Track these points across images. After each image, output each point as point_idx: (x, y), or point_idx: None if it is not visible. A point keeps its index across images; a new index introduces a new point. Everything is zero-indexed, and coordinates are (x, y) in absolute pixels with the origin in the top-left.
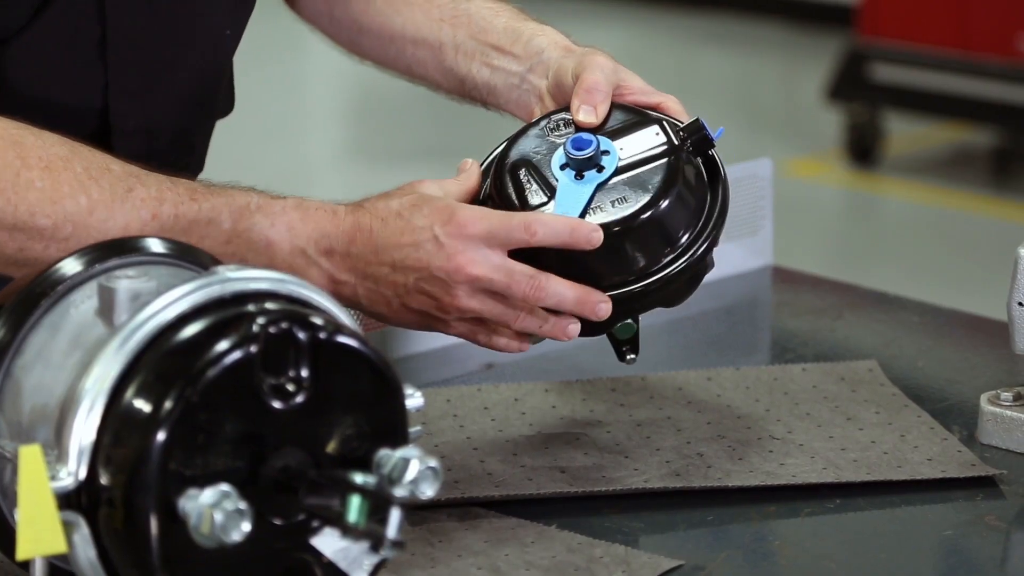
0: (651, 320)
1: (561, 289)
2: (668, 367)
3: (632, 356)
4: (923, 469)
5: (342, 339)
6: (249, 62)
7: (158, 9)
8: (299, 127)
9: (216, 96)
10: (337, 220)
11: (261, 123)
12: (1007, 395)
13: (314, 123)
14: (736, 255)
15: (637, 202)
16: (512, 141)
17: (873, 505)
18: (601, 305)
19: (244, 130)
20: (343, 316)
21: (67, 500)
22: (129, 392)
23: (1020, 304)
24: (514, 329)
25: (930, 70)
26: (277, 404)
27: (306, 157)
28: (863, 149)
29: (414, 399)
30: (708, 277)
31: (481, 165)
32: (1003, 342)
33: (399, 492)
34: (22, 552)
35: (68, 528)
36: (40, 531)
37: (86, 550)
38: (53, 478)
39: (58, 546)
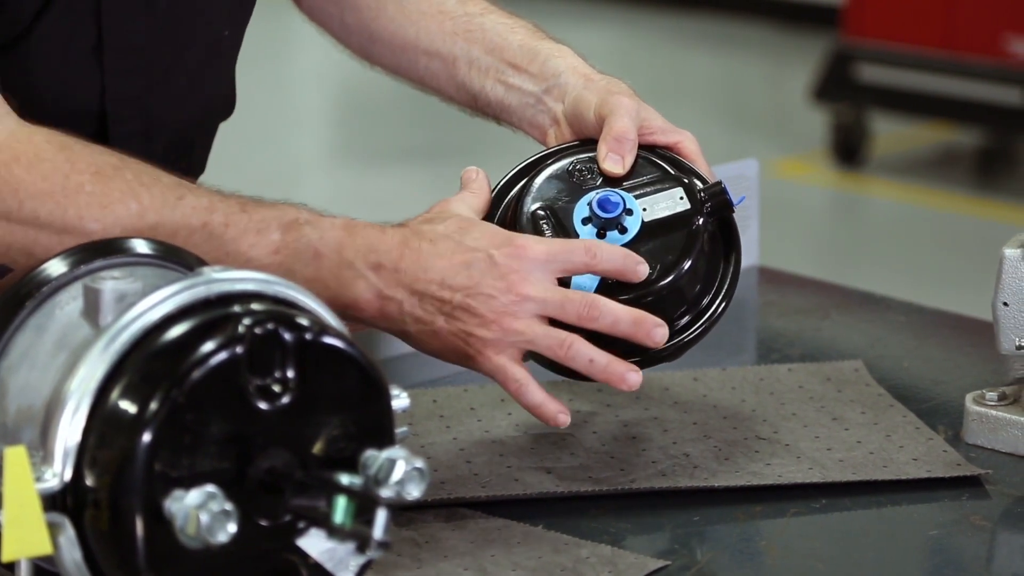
0: None
1: (616, 309)
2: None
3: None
4: (909, 469)
5: (328, 340)
6: (237, 64)
7: (155, 12)
8: (285, 129)
9: (215, 97)
10: (385, 237)
11: (247, 125)
12: (992, 395)
13: (300, 125)
14: None
15: (654, 273)
16: (529, 175)
17: (859, 505)
18: (657, 330)
19: (230, 132)
20: (329, 317)
21: (52, 501)
22: (115, 393)
23: (1005, 304)
24: (562, 360)
25: (916, 70)
26: (263, 405)
27: (292, 159)
28: (849, 149)
29: (400, 400)
30: None
31: (493, 191)
32: (988, 342)
33: (385, 493)
34: (7, 554)
35: (53, 529)
36: (25, 532)
37: (71, 551)
38: (38, 479)
39: (43, 548)
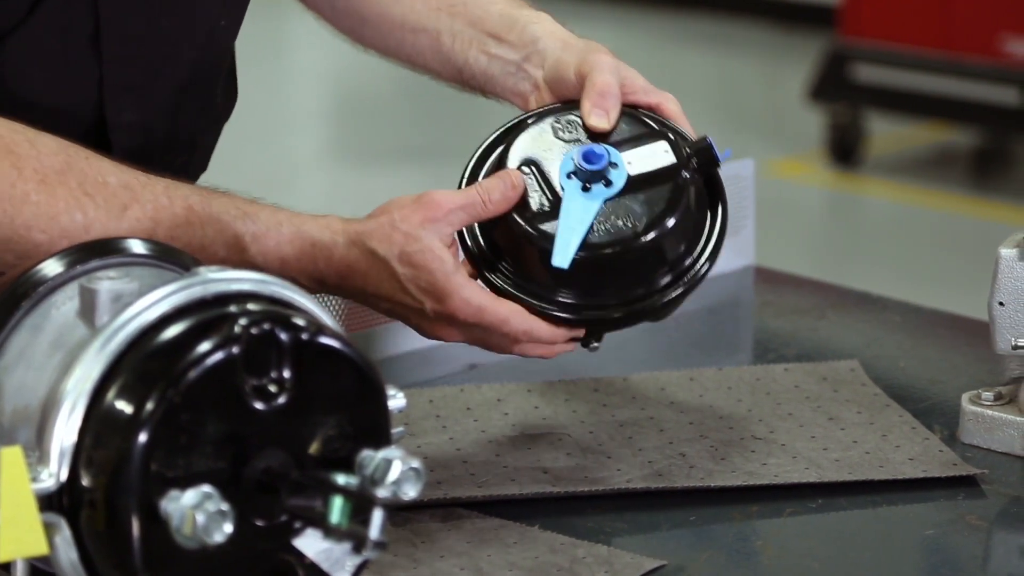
0: None
1: (532, 352)
2: (650, 367)
3: (596, 344)
4: (905, 469)
5: (324, 340)
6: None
7: (152, 2)
8: (284, 128)
9: (214, 89)
10: (332, 261)
11: (246, 124)
12: (988, 394)
13: (299, 124)
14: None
15: (641, 225)
16: (511, 134)
17: (855, 504)
18: (566, 348)
19: (228, 130)
20: (325, 317)
21: (49, 501)
22: (111, 393)
23: (1001, 304)
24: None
25: (912, 70)
26: (259, 405)
27: (291, 158)
28: (845, 149)
29: (396, 400)
30: None
31: (474, 155)
32: (984, 342)
33: (381, 493)
34: (3, 554)
35: (50, 530)
36: (21, 533)
37: (68, 552)
38: (34, 480)
39: (39, 548)
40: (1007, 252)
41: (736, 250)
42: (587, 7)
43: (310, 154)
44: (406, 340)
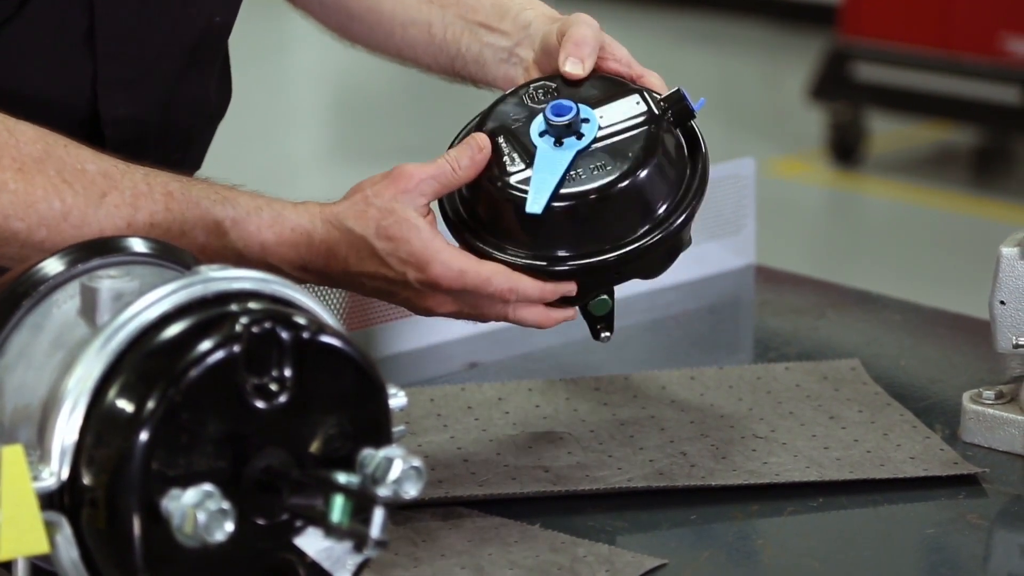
0: (634, 319)
1: (527, 316)
2: (651, 366)
3: (607, 334)
4: (906, 467)
5: (325, 339)
6: (232, 62)
7: None
8: (282, 127)
9: (208, 85)
10: (312, 245)
11: (245, 123)
12: (989, 393)
13: (297, 123)
14: (719, 254)
15: (616, 170)
16: (490, 109)
17: (856, 503)
18: (563, 315)
19: (228, 129)
20: (326, 316)
21: (50, 500)
22: (112, 392)
23: (1002, 302)
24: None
25: (913, 69)
26: (260, 404)
27: (289, 157)
28: (846, 148)
29: (397, 398)
30: (691, 276)
31: (458, 136)
32: (985, 340)
33: (382, 492)
34: (4, 552)
35: (51, 528)
36: (22, 531)
37: (69, 550)
38: (35, 478)
39: (40, 546)
40: (1008, 251)
41: (736, 249)
42: (587, 7)
43: (310, 154)
44: (407, 338)
